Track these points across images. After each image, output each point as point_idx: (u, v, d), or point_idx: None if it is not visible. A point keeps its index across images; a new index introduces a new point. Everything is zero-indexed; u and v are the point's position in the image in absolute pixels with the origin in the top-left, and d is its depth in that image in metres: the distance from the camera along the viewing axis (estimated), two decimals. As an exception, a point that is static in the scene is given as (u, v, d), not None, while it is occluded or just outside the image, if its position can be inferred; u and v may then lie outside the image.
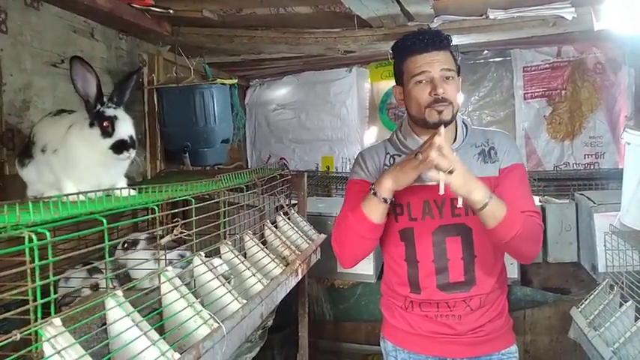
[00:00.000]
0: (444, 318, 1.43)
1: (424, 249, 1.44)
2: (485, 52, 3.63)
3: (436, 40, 1.38)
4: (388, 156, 1.51)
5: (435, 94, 1.35)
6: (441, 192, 1.28)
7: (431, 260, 1.43)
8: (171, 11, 2.15)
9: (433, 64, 1.36)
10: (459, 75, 1.44)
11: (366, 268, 2.70)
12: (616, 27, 2.26)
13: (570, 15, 2.19)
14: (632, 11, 2.07)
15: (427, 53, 1.37)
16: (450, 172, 1.20)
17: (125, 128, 1.25)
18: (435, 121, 1.37)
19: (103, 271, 1.25)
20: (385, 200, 1.31)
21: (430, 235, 1.42)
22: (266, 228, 1.76)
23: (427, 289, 1.44)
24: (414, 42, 1.39)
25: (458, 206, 1.31)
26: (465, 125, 1.50)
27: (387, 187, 1.30)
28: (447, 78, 1.37)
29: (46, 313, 0.77)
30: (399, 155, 1.49)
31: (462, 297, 1.42)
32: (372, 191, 1.32)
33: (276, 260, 1.56)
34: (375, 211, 1.33)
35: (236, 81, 3.00)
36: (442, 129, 1.24)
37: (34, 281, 0.74)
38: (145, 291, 1.08)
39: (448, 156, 1.20)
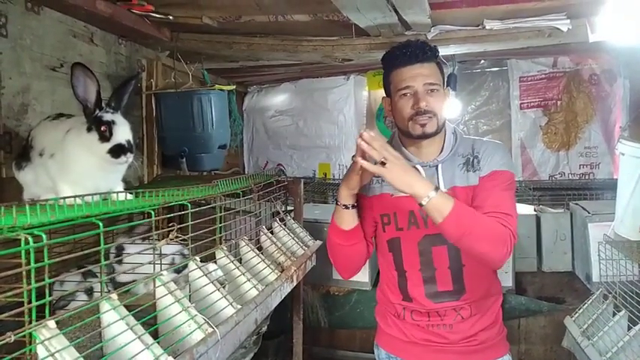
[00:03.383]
0: (435, 327, 1.44)
1: (411, 258, 1.45)
2: (482, 61, 3.67)
3: (419, 53, 1.38)
4: None
5: (417, 108, 1.36)
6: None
7: (418, 270, 1.44)
8: (170, 17, 2.17)
9: (416, 77, 1.37)
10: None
11: (361, 275, 2.69)
12: (611, 39, 2.28)
13: (565, 26, 2.22)
14: (627, 23, 2.09)
15: (411, 66, 1.39)
16: (383, 164, 1.21)
17: (123, 133, 1.25)
18: (418, 133, 1.39)
19: (98, 274, 1.26)
20: (346, 206, 1.39)
21: (416, 245, 1.43)
22: (262, 234, 1.76)
23: (417, 298, 1.45)
24: (398, 55, 1.41)
25: None
26: (455, 135, 1.48)
27: (343, 194, 1.38)
28: (431, 91, 1.38)
29: (41, 317, 0.77)
30: None
31: (452, 306, 1.42)
32: (335, 200, 1.41)
33: (271, 266, 1.56)
34: (341, 218, 1.42)
35: (234, 87, 3.02)
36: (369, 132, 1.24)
37: (29, 283, 0.75)
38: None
39: (379, 149, 1.22)
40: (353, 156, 1.29)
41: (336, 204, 1.42)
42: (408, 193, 1.23)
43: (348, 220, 1.42)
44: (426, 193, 1.22)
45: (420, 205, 1.23)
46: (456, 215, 1.23)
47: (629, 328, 1.68)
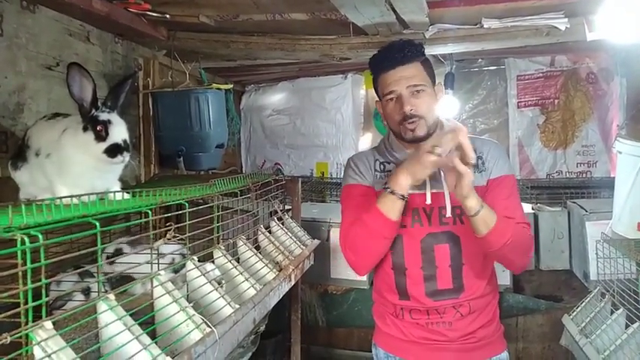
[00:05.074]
0: (434, 325, 1.44)
1: (413, 256, 1.44)
2: (480, 60, 3.67)
3: (398, 56, 1.37)
4: (378, 162, 1.52)
5: (402, 112, 1.36)
6: (428, 201, 1.33)
7: (419, 267, 1.44)
8: (167, 16, 2.16)
9: (399, 81, 1.37)
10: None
11: (359, 274, 2.70)
12: (608, 37, 2.29)
13: (563, 25, 2.22)
14: (624, 22, 2.09)
15: (393, 70, 1.38)
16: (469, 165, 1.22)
17: (119, 132, 1.25)
18: (409, 137, 1.40)
19: (95, 275, 1.25)
20: (403, 197, 1.31)
21: (419, 243, 1.43)
22: (260, 233, 1.75)
23: (416, 296, 1.44)
24: (381, 60, 1.40)
25: (447, 215, 1.34)
26: None
27: (404, 183, 1.30)
28: (417, 92, 1.37)
29: (37, 317, 0.77)
30: (388, 163, 1.51)
31: (452, 303, 1.43)
32: (389, 190, 1.31)
33: (269, 265, 1.56)
34: (392, 209, 1.32)
35: (231, 86, 3.01)
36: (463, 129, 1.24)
37: (25, 284, 0.74)
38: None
39: (470, 152, 1.22)
40: (434, 147, 1.23)
41: (390, 193, 1.31)
42: (463, 202, 1.27)
43: (401, 210, 1.34)
44: (477, 207, 1.27)
45: (471, 216, 1.28)
46: (500, 227, 1.29)
47: (627, 326, 1.68)
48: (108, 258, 1.35)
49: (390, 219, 1.33)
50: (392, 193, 1.31)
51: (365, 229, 1.38)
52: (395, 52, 1.38)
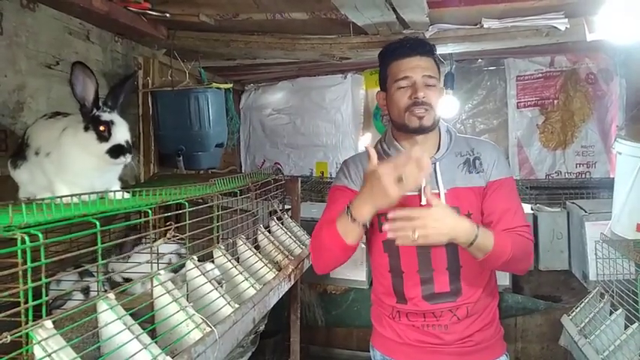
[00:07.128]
0: (430, 328, 1.42)
1: (409, 259, 1.42)
2: (479, 60, 3.67)
3: (419, 47, 1.40)
4: None
5: (415, 97, 1.35)
6: (423, 202, 1.32)
7: (416, 271, 1.42)
8: (167, 15, 2.15)
9: (416, 69, 1.37)
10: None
11: (358, 274, 2.70)
12: (608, 38, 2.29)
13: (563, 25, 2.22)
14: (624, 23, 2.10)
15: (410, 58, 1.39)
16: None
17: (122, 133, 1.25)
18: (415, 126, 1.37)
19: (95, 274, 1.25)
20: (364, 224, 1.26)
21: (415, 246, 1.40)
22: (259, 232, 1.76)
23: (413, 300, 1.42)
24: (397, 47, 1.41)
25: None
26: (450, 133, 1.48)
27: (365, 211, 1.23)
28: (429, 85, 1.38)
29: (37, 316, 0.77)
30: None
31: (449, 307, 1.41)
32: (350, 216, 1.24)
33: (268, 265, 1.56)
34: (350, 233, 1.27)
35: (231, 85, 3.01)
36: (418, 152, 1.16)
37: (25, 283, 0.74)
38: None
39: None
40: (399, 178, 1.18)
41: (351, 219, 1.24)
42: (453, 241, 1.24)
43: (358, 236, 1.29)
44: (470, 238, 1.22)
45: (466, 248, 1.25)
46: (499, 249, 1.26)
47: (626, 327, 1.68)
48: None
49: (345, 241, 1.28)
50: (353, 220, 1.24)
51: (322, 242, 1.35)
52: (414, 42, 1.40)
